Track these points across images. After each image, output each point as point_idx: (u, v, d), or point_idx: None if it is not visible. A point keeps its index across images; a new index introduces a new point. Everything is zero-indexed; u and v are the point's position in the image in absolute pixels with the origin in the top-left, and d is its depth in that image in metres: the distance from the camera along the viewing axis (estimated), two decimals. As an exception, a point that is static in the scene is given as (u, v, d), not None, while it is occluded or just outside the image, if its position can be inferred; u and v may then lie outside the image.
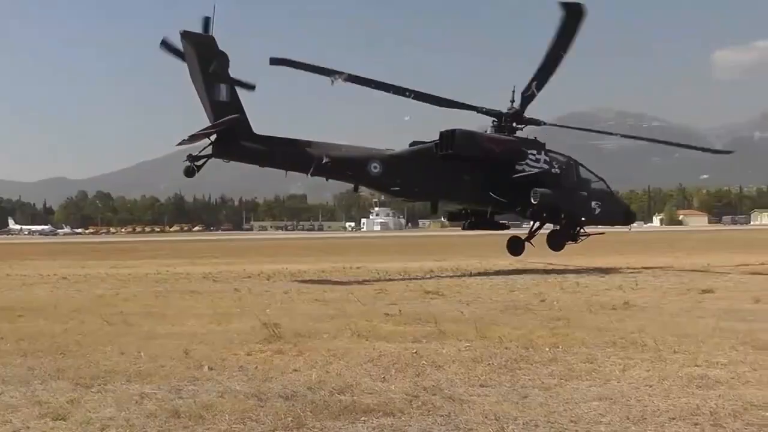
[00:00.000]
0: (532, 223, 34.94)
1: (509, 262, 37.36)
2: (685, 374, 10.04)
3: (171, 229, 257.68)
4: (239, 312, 17.64)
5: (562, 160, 33.41)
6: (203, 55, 26.75)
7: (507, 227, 38.21)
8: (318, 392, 9.32)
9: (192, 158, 27.40)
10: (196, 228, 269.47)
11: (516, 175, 31.74)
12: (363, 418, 8.13)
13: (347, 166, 29.87)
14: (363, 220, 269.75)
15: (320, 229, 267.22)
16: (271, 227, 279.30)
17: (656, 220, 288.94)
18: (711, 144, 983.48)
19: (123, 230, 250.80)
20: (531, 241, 35.30)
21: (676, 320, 15.39)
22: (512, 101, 32.45)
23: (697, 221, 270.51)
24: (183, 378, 10.29)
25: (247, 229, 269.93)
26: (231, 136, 27.47)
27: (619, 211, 35.87)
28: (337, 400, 8.86)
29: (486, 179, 31.40)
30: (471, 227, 35.15)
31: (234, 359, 11.66)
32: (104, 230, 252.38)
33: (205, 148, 27.87)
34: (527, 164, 32.12)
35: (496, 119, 32.75)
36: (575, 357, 11.40)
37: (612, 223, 35.87)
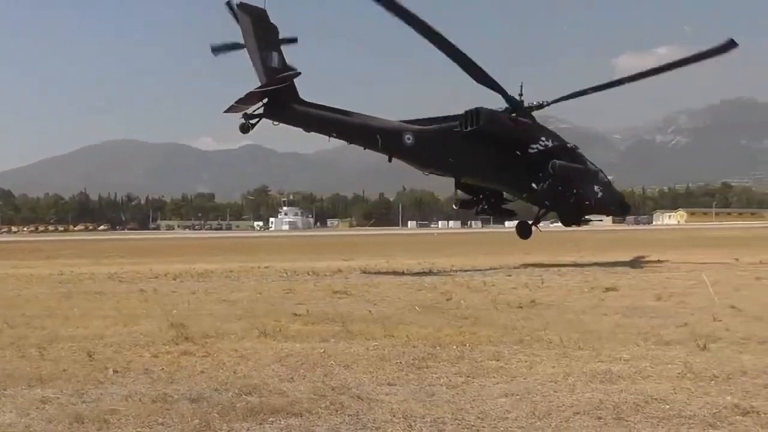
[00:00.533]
0: (538, 209, 37.50)
1: (417, 261, 37.84)
2: (590, 370, 10.29)
3: (75, 229, 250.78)
4: (145, 313, 17.34)
5: (573, 146, 36.18)
6: (258, 25, 28.97)
7: (515, 215, 39.96)
8: (225, 393, 9.23)
9: (247, 116, 29.39)
10: (101, 227, 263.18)
11: (532, 150, 33.97)
12: (271, 419, 8.10)
13: (385, 136, 31.84)
14: (271, 220, 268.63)
15: (228, 228, 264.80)
16: (178, 227, 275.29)
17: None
18: (615, 146, 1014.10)
19: (25, 229, 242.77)
20: (538, 225, 38.44)
21: (581, 318, 15.75)
22: (521, 95, 34.52)
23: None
24: (86, 381, 10.06)
25: (154, 229, 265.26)
26: (282, 98, 29.46)
27: (616, 201, 38.40)
28: (245, 402, 8.80)
29: (505, 158, 33.58)
30: (482, 213, 37.75)
31: (140, 361, 11.46)
32: (5, 229, 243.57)
33: (257, 109, 29.66)
34: (540, 146, 34.29)
35: (510, 106, 34.35)
36: (482, 355, 11.56)
37: (609, 212, 39.53)
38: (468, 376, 10.07)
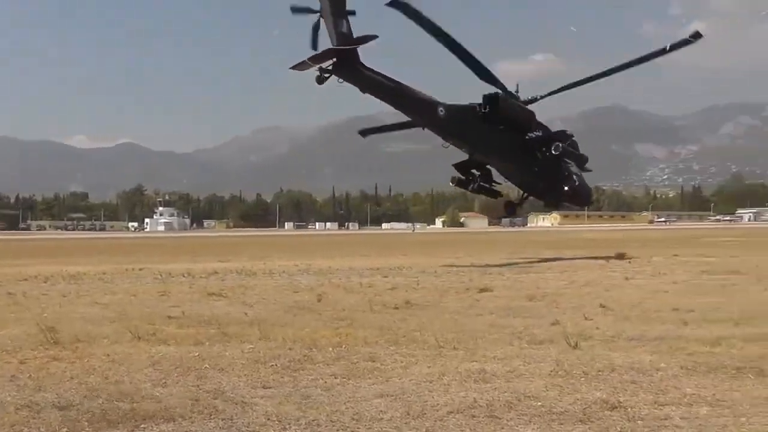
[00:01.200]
0: (522, 193, 42.73)
1: (294, 263, 37.67)
2: (464, 369, 10.42)
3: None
4: (14, 317, 16.67)
5: (570, 133, 41.01)
6: None
7: (501, 194, 43.47)
8: (95, 400, 8.93)
9: (322, 70, 32.70)
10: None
11: (533, 135, 38.61)
12: (143, 426, 7.90)
13: (425, 106, 35.77)
14: (147, 220, 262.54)
15: (102, 229, 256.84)
16: (50, 227, 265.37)
17: (439, 222, 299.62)
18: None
19: None
20: (522, 205, 43.96)
21: (456, 318, 15.97)
22: (517, 91, 38.57)
23: (478, 223, 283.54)
24: (-55, 390, 9.52)
25: (24, 229, 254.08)
26: (350, 60, 32.83)
27: (589, 192, 43.36)
28: (116, 408, 8.54)
29: (512, 139, 37.69)
30: (477, 191, 41.46)
31: (6, 368, 10.98)
32: None
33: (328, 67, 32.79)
34: (541, 132, 39.17)
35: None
36: (358, 356, 11.57)
37: (584, 201, 43.82)
38: (343, 378, 10.06)
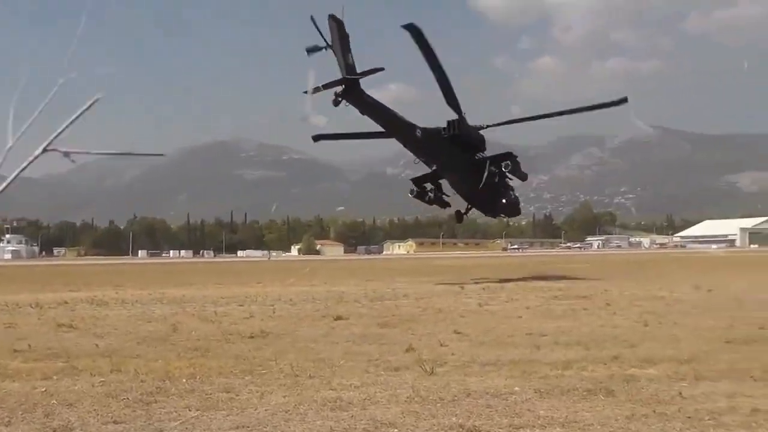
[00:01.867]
0: (467, 205, 48.48)
1: (147, 292, 36.72)
2: (321, 398, 10.44)
3: None
4: None
5: (515, 155, 45.59)
6: (341, 31, 38.43)
7: (449, 205, 49.05)
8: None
9: (336, 95, 38.56)
10: None
11: (480, 156, 44.43)
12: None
13: (407, 129, 41.79)
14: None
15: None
16: None
17: (294, 250, 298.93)
18: (348, 177, 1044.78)
19: None
20: (467, 214, 49.47)
21: (312, 346, 15.97)
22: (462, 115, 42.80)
23: (333, 251, 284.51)
24: None
25: None
26: (356, 88, 39.15)
27: (517, 204, 48.55)
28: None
29: (466, 158, 43.74)
30: (431, 201, 47.33)
31: None
32: None
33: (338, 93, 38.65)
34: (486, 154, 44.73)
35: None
36: (213, 387, 11.41)
37: (515, 212, 49.37)
38: (198, 410, 9.89)
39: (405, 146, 43.31)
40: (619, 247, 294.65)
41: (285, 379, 11.90)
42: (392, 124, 41.83)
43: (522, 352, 14.52)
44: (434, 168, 45.54)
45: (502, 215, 50.43)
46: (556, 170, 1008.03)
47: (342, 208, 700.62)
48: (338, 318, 21.98)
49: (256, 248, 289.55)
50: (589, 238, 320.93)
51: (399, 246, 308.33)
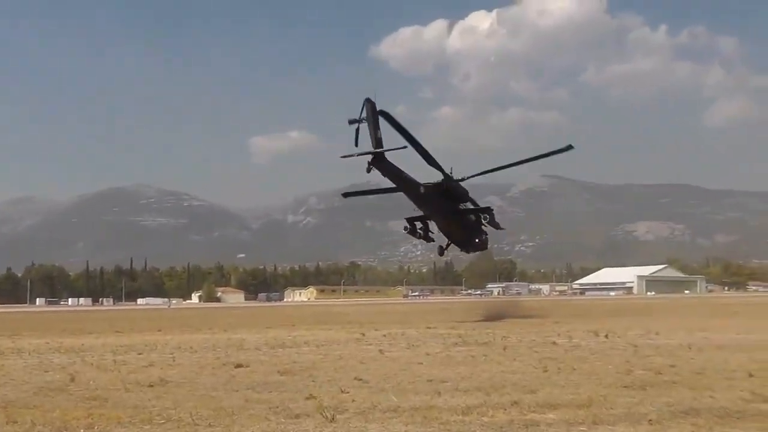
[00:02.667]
0: (447, 241, 56.98)
1: (45, 341, 35.84)
2: (221, 446, 10.33)
3: None
4: None
5: (492, 208, 55.74)
6: (374, 112, 46.35)
7: (434, 240, 57.66)
8: None
9: (368, 163, 46.93)
10: None
11: (464, 207, 54.77)
12: None
13: (414, 186, 50.68)
14: None
15: None
16: None
17: (195, 297, 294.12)
18: (248, 225, 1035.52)
19: None
20: (447, 248, 57.89)
21: (212, 394, 15.85)
22: (450, 172, 52.41)
23: (234, 298, 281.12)
24: None
25: None
26: (382, 156, 47.23)
27: (487, 242, 57.97)
28: None
29: (454, 207, 53.78)
30: (421, 237, 56.14)
31: None
32: None
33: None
34: (469, 203, 54.94)
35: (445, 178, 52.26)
36: (111, 437, 11.16)
37: (483, 248, 59.62)
38: (95, 459, 9.66)
39: (408, 197, 52.50)
40: (519, 294, 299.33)
41: (184, 428, 11.80)
42: (405, 184, 50.88)
43: (422, 399, 14.63)
44: (425, 212, 54.85)
45: (475, 250, 60.85)
46: None
47: (243, 255, 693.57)
48: (239, 366, 21.78)
49: (157, 296, 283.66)
50: (489, 285, 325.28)
51: (300, 293, 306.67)
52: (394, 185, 51.54)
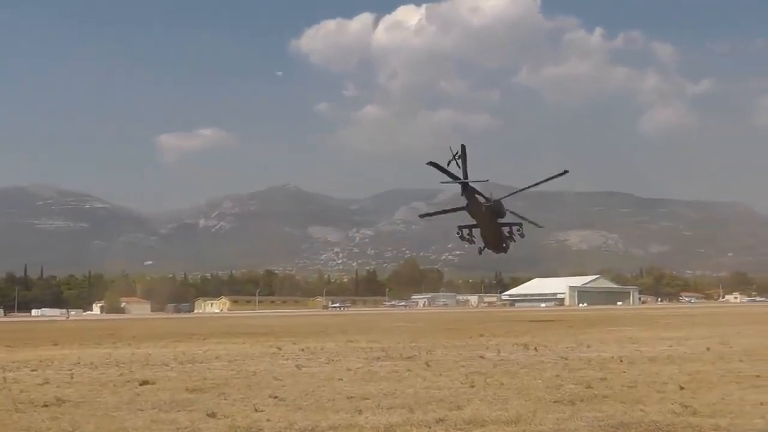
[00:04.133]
0: (483, 245, 79.19)
1: None
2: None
3: None
4: None
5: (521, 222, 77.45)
6: (464, 154, 66.73)
7: (474, 242, 78.88)
8: None
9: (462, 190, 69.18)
10: None
11: (501, 221, 74.39)
12: None
13: (479, 206, 71.26)
14: None
15: None
16: None
17: (96, 308, 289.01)
18: (156, 229, 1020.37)
19: None
20: (483, 249, 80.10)
21: (114, 414, 15.65)
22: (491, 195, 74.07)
23: (140, 309, 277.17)
24: None
25: None
26: (469, 186, 69.44)
27: (508, 246, 79.19)
28: None
29: (494, 221, 74.02)
30: (466, 240, 77.03)
31: None
32: None
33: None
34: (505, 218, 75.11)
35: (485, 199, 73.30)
36: (0, 461, 10.92)
37: (506, 250, 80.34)
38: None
39: (469, 212, 72.50)
40: (445, 305, 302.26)
41: (82, 451, 11.56)
42: (475, 204, 70.01)
43: (342, 417, 14.69)
44: (475, 223, 74.18)
45: (502, 252, 79.46)
46: (381, 225, 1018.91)
47: (150, 262, 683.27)
48: (144, 383, 21.48)
49: (54, 306, 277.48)
50: (415, 296, 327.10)
51: (212, 304, 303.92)
52: (460, 207, 72.90)
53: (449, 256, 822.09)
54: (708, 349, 31.00)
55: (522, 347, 33.96)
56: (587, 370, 22.98)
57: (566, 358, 27.58)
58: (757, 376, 20.85)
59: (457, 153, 66.35)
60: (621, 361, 26.18)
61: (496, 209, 73.84)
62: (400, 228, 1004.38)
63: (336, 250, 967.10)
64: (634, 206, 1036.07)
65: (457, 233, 78.17)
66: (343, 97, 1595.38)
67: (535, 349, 32.67)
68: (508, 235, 76.45)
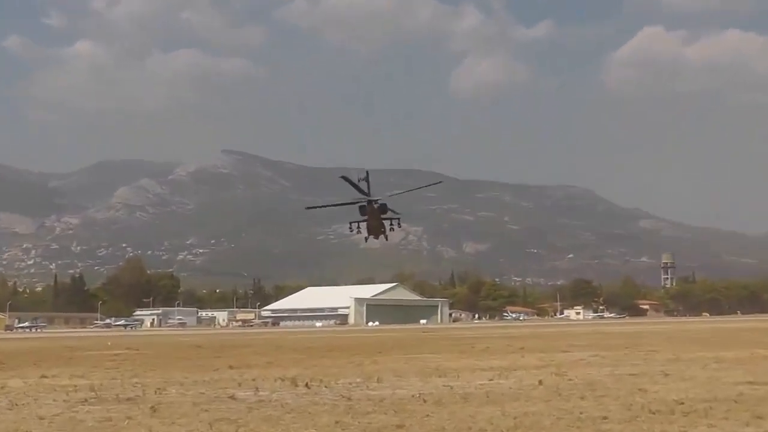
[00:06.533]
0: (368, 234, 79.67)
1: None
2: None
3: None
4: None
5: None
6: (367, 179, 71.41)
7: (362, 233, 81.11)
8: None
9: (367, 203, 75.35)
10: None
11: (384, 216, 75.42)
12: None
13: (368, 203, 73.52)
14: None
15: None
16: None
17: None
18: None
19: None
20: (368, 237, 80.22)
21: None
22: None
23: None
24: None
25: None
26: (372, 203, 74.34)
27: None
28: None
29: (380, 216, 74.15)
30: (357, 231, 77.63)
31: None
32: None
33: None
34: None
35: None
36: None
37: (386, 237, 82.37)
38: None
39: (359, 209, 74.00)
40: (182, 324, 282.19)
41: None
42: (370, 208, 72.18)
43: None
44: (365, 218, 75.73)
45: (384, 238, 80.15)
46: (92, 210, 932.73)
47: None
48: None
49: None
50: (139, 312, 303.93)
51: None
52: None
53: (189, 256, 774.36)
54: (540, 382, 29.47)
55: (289, 383, 31.20)
56: (378, 414, 21.16)
57: (349, 398, 25.33)
58: (604, 418, 19.43)
59: (364, 176, 72.80)
60: (424, 400, 24.09)
61: (380, 207, 79.16)
62: (121, 215, 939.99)
63: (26, 245, 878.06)
64: (443, 190, 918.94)
65: (350, 228, 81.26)
66: (44, 27, 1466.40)
67: (307, 385, 29.94)
68: (391, 227, 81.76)
